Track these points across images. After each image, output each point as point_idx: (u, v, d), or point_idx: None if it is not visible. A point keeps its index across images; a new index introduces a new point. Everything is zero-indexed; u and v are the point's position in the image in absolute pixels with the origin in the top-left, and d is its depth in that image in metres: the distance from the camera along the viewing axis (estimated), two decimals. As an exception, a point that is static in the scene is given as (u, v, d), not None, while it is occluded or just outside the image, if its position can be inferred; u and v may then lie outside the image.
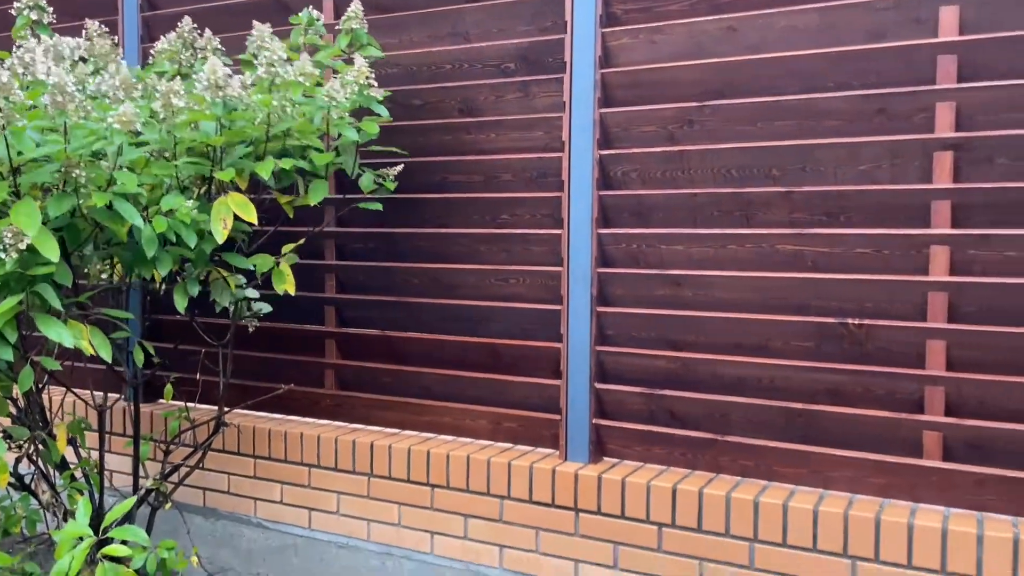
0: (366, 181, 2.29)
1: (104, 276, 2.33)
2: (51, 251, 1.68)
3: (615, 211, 2.23)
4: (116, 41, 2.44)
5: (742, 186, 2.09)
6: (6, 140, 1.68)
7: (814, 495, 1.97)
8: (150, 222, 1.88)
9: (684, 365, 2.14)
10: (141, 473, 2.44)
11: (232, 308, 2.23)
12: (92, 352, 1.84)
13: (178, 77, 2.01)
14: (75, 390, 2.36)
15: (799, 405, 2.00)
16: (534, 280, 2.34)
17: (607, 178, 2.23)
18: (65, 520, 2.20)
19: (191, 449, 2.43)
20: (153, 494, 2.40)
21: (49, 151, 1.70)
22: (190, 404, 2.57)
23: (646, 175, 2.19)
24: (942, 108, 1.87)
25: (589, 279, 2.21)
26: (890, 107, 1.92)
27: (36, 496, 2.26)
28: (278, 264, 2.14)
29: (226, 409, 2.43)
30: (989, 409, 1.85)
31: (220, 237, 1.90)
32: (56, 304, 1.77)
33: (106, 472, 2.76)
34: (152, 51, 2.44)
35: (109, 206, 1.84)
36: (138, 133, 1.84)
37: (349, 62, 2.33)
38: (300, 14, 2.34)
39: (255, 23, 2.10)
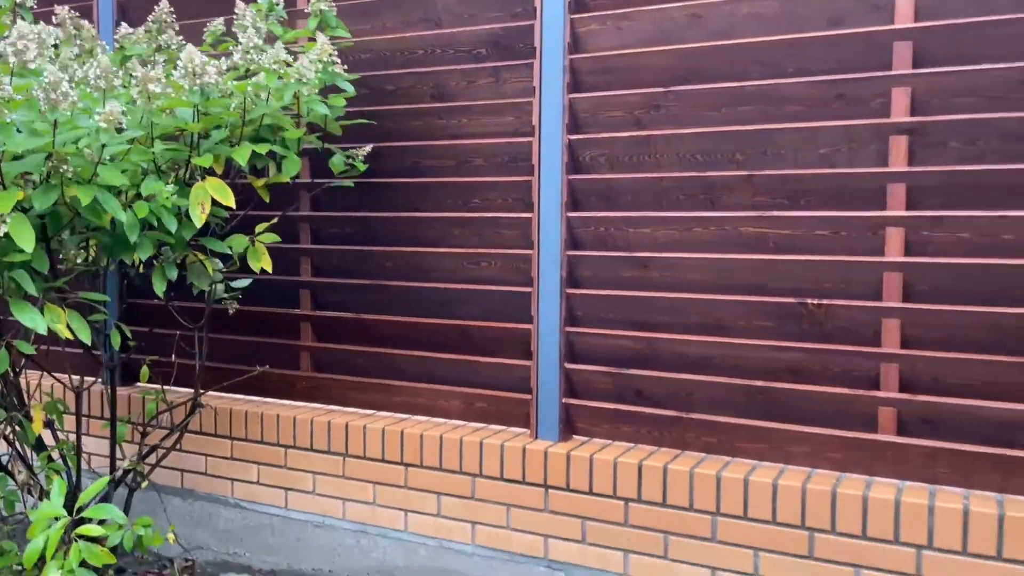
0: (337, 162, 2.34)
1: (80, 260, 2.35)
2: (26, 241, 1.71)
3: (584, 195, 2.27)
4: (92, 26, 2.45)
5: (707, 170, 2.13)
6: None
7: (774, 470, 2.03)
8: (131, 208, 1.90)
9: (650, 345, 2.20)
10: (118, 455, 2.48)
11: (208, 290, 2.26)
12: (70, 336, 1.87)
13: (158, 65, 2.04)
14: (53, 373, 2.39)
15: (760, 383, 2.06)
16: (505, 263, 2.38)
17: (576, 162, 2.27)
18: (42, 500, 2.23)
19: (168, 431, 2.47)
20: (131, 475, 2.43)
21: (38, 144, 1.73)
22: (167, 387, 2.60)
23: (614, 159, 2.24)
24: (898, 93, 1.93)
25: (559, 262, 2.25)
26: (848, 92, 1.97)
27: (12, 476, 2.29)
28: (253, 243, 2.17)
29: (202, 391, 2.47)
30: (941, 385, 1.91)
31: (199, 221, 1.94)
32: (31, 290, 1.80)
33: (84, 455, 2.79)
34: (116, 36, 2.47)
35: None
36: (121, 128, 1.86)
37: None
38: (260, 0, 2.36)
39: (238, 2, 2.14)
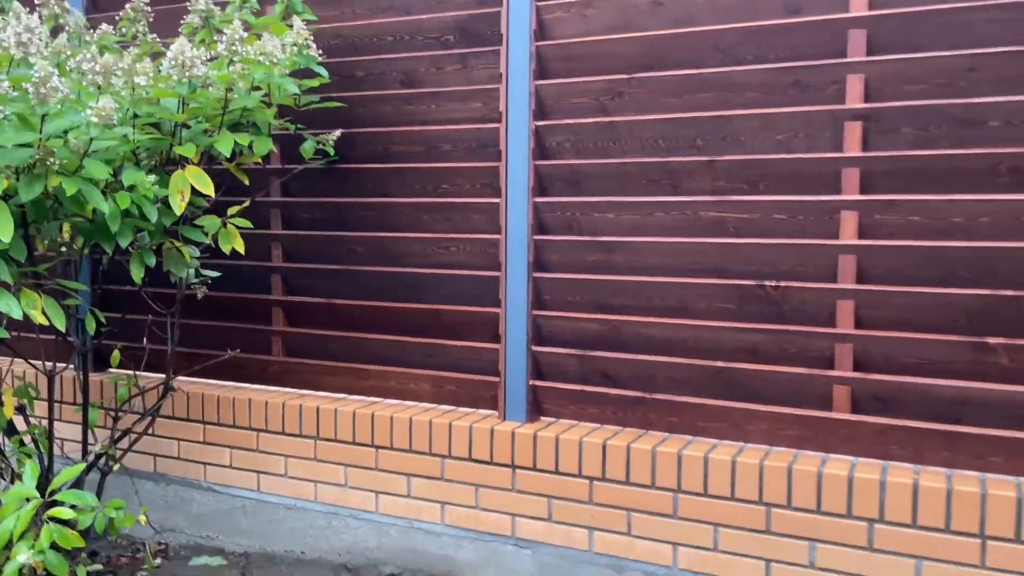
0: (308, 147, 2.37)
1: (57, 245, 2.36)
2: (5, 230, 1.73)
3: (550, 180, 2.31)
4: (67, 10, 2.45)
5: (668, 155, 2.18)
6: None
7: (734, 448, 2.08)
8: (112, 197, 1.92)
9: (615, 327, 2.24)
10: (90, 439, 2.50)
11: (182, 276, 2.28)
12: (44, 322, 1.89)
13: (145, 59, 2.06)
14: (25, 359, 2.40)
15: (721, 363, 2.11)
16: (474, 247, 2.41)
17: (543, 148, 2.31)
18: (13, 483, 2.25)
19: (140, 415, 2.49)
20: (103, 459, 2.45)
21: (27, 139, 1.74)
22: (139, 372, 2.62)
23: (579, 145, 2.27)
24: (852, 80, 1.97)
25: (526, 246, 2.29)
26: (804, 79, 2.01)
27: (-16, 460, 2.31)
28: (225, 225, 2.19)
29: (174, 375, 2.49)
30: (893, 364, 1.97)
31: (178, 210, 1.96)
32: (7, 277, 1.82)
33: (56, 440, 2.80)
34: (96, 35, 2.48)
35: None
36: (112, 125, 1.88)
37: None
38: (235, -8, 2.38)
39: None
